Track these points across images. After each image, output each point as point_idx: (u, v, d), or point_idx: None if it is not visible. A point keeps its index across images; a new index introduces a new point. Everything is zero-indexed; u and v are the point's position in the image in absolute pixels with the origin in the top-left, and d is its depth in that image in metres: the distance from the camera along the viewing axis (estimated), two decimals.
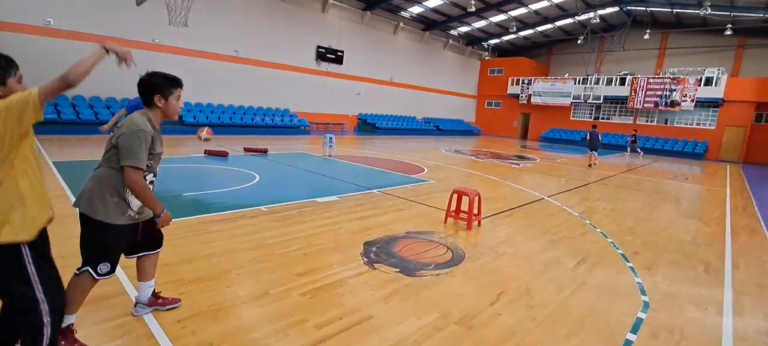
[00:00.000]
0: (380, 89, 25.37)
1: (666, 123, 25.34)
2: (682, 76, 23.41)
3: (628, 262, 4.37)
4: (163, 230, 2.42)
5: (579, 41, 26.82)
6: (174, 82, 2.27)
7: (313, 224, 4.83)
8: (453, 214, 5.36)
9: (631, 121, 26.49)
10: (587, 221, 6.06)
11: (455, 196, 5.38)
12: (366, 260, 3.84)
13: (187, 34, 15.64)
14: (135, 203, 2.20)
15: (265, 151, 11.34)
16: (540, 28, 28.24)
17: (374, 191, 7.12)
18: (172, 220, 2.40)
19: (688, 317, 3.19)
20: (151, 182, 2.29)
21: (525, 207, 6.75)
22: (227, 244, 3.95)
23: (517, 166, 12.89)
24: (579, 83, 27.73)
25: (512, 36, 29.67)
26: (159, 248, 2.54)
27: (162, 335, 2.36)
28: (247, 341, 2.38)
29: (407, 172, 9.74)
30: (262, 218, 4.92)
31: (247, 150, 11.43)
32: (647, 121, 26.10)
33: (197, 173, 7.89)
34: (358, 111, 24.42)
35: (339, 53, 22.19)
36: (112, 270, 2.23)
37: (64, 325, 2.13)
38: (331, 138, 13.01)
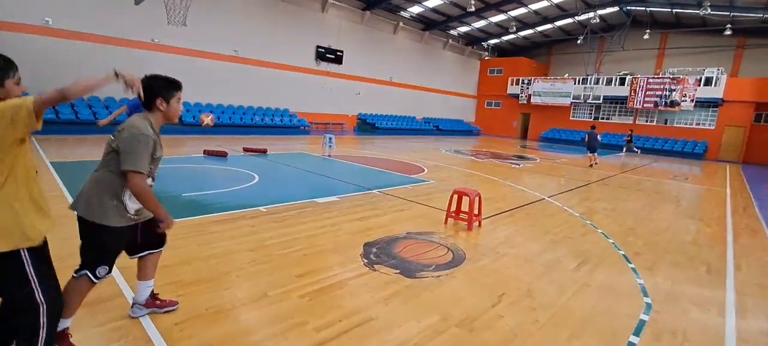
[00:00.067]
0: (380, 89, 25.35)
1: (666, 123, 25.34)
2: (681, 76, 23.41)
3: (630, 263, 4.34)
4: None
5: (579, 41, 26.81)
6: (174, 85, 2.26)
7: (313, 225, 4.80)
8: (453, 214, 5.33)
9: (631, 121, 26.49)
10: (588, 222, 6.04)
11: (456, 196, 5.35)
12: (366, 261, 3.81)
13: (187, 34, 15.61)
14: (132, 206, 2.18)
15: (264, 152, 11.31)
16: (540, 28, 28.23)
17: (374, 191, 7.09)
18: (178, 219, 2.35)
19: (691, 319, 3.16)
20: (150, 186, 2.26)
21: (525, 207, 6.73)
22: (226, 245, 3.92)
23: (517, 166, 12.87)
24: (579, 83, 27.72)
25: (512, 36, 29.66)
26: (162, 247, 2.53)
27: (159, 338, 2.33)
28: (246, 344, 2.36)
29: (407, 172, 9.72)
30: (261, 219, 4.89)
31: (246, 150, 11.40)
32: (647, 121, 26.10)
33: (196, 173, 7.86)
34: (358, 111, 24.39)
35: (339, 53, 22.17)
36: (110, 271, 2.21)
37: (59, 329, 2.11)
38: (330, 138, 12.98)
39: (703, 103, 23.35)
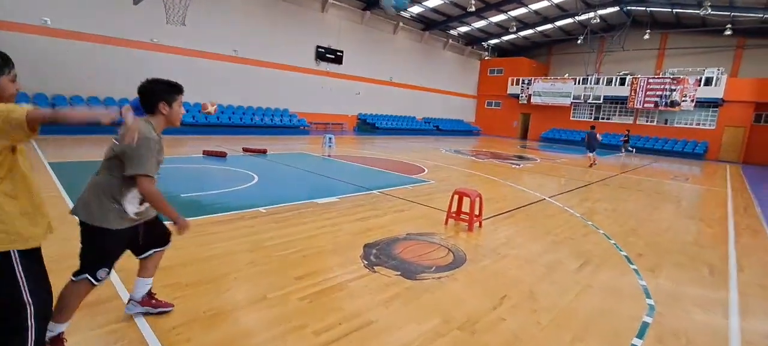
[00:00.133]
0: (380, 89, 25.31)
1: (666, 123, 25.32)
2: (681, 77, 23.40)
3: (632, 264, 4.31)
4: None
5: (579, 41, 26.78)
6: (176, 89, 2.25)
7: (313, 226, 4.77)
8: (454, 215, 5.30)
9: (631, 122, 26.47)
10: (589, 222, 6.00)
11: (456, 197, 5.32)
12: (366, 262, 3.77)
13: (187, 34, 15.57)
14: (132, 209, 2.16)
15: (264, 152, 11.27)
16: (540, 28, 28.21)
17: (374, 191, 7.06)
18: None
19: (694, 321, 3.13)
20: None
21: (526, 208, 6.69)
22: (225, 246, 3.89)
23: (517, 166, 12.84)
24: (579, 83, 27.69)
25: (512, 36, 29.64)
26: (167, 245, 2.52)
27: (156, 342, 2.29)
28: None
29: (407, 172, 9.68)
30: (260, 220, 4.85)
31: (245, 150, 11.36)
32: (647, 122, 26.08)
33: (195, 173, 7.83)
34: (358, 111, 24.36)
35: (338, 53, 22.13)
36: (109, 273, 2.19)
37: (54, 333, 2.08)
38: (330, 138, 12.95)
39: (703, 104, 23.33)
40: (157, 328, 2.43)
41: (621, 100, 26.45)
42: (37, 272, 1.76)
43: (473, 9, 21.72)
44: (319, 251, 3.96)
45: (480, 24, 27.00)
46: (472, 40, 30.67)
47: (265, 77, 19.22)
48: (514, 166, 12.84)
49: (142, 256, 2.42)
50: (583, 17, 24.66)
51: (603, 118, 27.86)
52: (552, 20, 26.55)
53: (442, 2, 22.76)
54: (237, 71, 18.15)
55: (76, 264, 2.14)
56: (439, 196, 7.01)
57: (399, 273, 3.57)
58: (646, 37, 24.66)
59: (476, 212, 5.15)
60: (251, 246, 3.94)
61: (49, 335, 2.06)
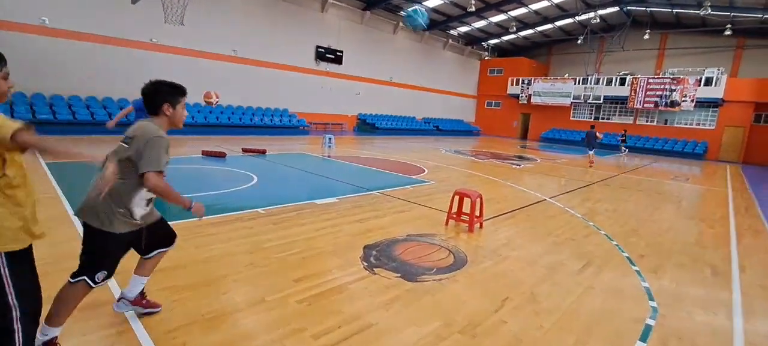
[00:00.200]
0: (380, 89, 25.28)
1: (666, 123, 25.31)
2: (681, 77, 23.38)
3: (634, 265, 4.27)
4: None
5: (579, 41, 26.76)
6: (180, 91, 2.28)
7: (312, 227, 4.73)
8: (454, 216, 5.26)
9: (631, 122, 26.46)
10: (590, 223, 5.97)
11: (456, 197, 5.28)
12: (366, 264, 3.73)
13: (186, 34, 15.53)
14: (139, 213, 2.17)
15: (263, 152, 11.24)
16: (540, 28, 28.18)
17: (374, 192, 7.02)
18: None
19: (698, 323, 3.10)
20: (153, 197, 2.26)
21: (527, 209, 6.66)
22: (224, 248, 3.85)
23: (517, 166, 12.80)
24: (579, 83, 27.67)
25: (512, 36, 29.60)
26: (172, 245, 2.53)
27: None
28: None
29: (407, 173, 9.65)
30: (259, 221, 4.81)
31: (245, 151, 11.32)
32: (647, 122, 26.06)
33: (194, 173, 7.78)
34: (358, 111, 24.32)
35: (338, 53, 22.09)
36: (109, 277, 2.17)
37: (48, 338, 2.05)
38: (330, 138, 12.91)
39: (703, 104, 23.31)
40: (154, 331, 2.39)
41: (621, 100, 26.43)
42: (26, 274, 1.73)
43: (473, 9, 21.70)
44: (318, 253, 3.93)
45: (480, 24, 26.97)
46: (472, 40, 30.64)
47: (264, 77, 19.17)
48: (514, 166, 12.81)
49: (147, 256, 2.43)
50: (583, 17, 24.64)
51: (603, 118, 27.83)
52: (552, 20, 26.53)
53: (442, 2, 22.72)
54: (236, 71, 18.10)
55: (72, 266, 2.11)
56: (439, 196, 6.98)
57: (399, 275, 3.53)
58: (646, 37, 24.64)
59: (477, 213, 5.11)
60: (250, 248, 3.90)
61: (42, 339, 2.03)
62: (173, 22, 11.56)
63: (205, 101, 5.96)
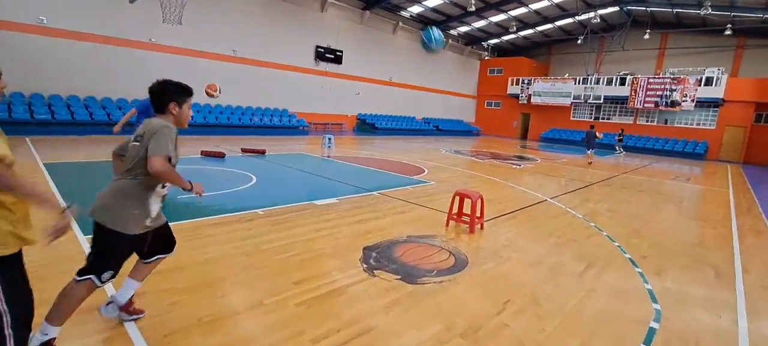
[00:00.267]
0: (379, 89, 25.24)
1: (666, 123, 25.27)
2: (682, 77, 23.35)
3: (637, 267, 4.23)
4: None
5: (579, 41, 26.73)
6: (186, 91, 2.32)
7: (311, 228, 4.69)
8: (455, 216, 5.22)
9: (631, 122, 26.42)
10: (592, 224, 5.93)
11: (457, 198, 5.24)
12: (365, 266, 3.69)
13: (185, 34, 15.49)
14: (155, 210, 2.22)
15: (262, 152, 11.20)
16: (540, 28, 28.14)
17: (374, 192, 6.98)
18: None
19: (702, 325, 3.06)
20: (165, 195, 2.30)
21: (527, 209, 6.62)
22: (222, 249, 3.81)
23: (517, 166, 12.77)
24: (579, 83, 27.64)
25: (512, 36, 29.56)
26: (170, 252, 2.52)
27: None
28: None
29: (407, 173, 9.61)
30: (258, 222, 4.77)
31: (244, 151, 11.28)
32: (647, 121, 26.03)
33: (193, 174, 7.74)
34: (357, 111, 24.28)
35: (338, 53, 22.05)
36: (113, 277, 2.18)
37: (47, 337, 2.03)
38: (329, 138, 12.87)
39: (703, 104, 23.28)
40: (151, 335, 2.35)
41: (621, 100, 26.40)
42: (16, 279, 1.68)
43: (473, 9, 21.65)
44: (317, 255, 3.89)
45: (480, 24, 26.92)
46: (472, 40, 30.60)
47: (264, 77, 19.13)
48: (514, 166, 12.77)
49: (148, 260, 2.42)
50: (583, 17, 24.60)
51: (603, 118, 27.80)
52: (552, 20, 26.48)
53: (442, 2, 22.68)
54: (236, 71, 18.05)
55: (72, 267, 2.09)
56: (439, 197, 6.94)
57: (399, 277, 3.49)
58: (646, 37, 24.60)
59: (477, 214, 5.07)
60: (249, 249, 3.86)
61: (42, 339, 2.02)
62: (171, 21, 11.52)
63: (207, 92, 5.90)
